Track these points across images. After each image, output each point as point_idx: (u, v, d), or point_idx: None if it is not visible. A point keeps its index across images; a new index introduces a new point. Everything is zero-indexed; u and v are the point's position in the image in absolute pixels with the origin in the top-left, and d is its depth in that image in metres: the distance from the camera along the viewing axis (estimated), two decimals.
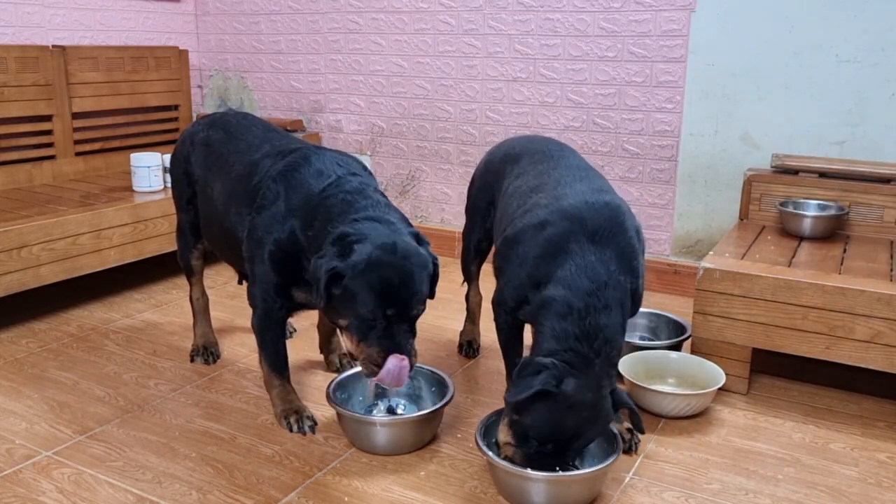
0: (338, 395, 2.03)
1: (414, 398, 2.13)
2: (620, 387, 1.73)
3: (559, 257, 1.72)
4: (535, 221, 1.80)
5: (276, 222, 1.92)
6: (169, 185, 2.76)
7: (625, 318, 1.72)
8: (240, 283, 2.47)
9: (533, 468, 1.64)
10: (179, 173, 2.34)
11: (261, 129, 2.24)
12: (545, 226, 1.78)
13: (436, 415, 1.99)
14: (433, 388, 2.11)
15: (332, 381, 2.07)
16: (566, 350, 1.63)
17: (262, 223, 1.94)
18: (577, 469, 1.72)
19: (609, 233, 1.74)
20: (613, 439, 1.75)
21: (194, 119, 4.07)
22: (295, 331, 2.72)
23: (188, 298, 2.54)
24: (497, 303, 1.92)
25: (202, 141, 2.28)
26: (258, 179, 2.00)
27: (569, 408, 1.59)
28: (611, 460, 1.69)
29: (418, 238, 1.85)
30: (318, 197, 1.89)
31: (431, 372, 2.13)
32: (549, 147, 2.12)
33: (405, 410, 2.09)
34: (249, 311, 2.05)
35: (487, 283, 2.78)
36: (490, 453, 1.71)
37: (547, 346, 1.66)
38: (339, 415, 1.98)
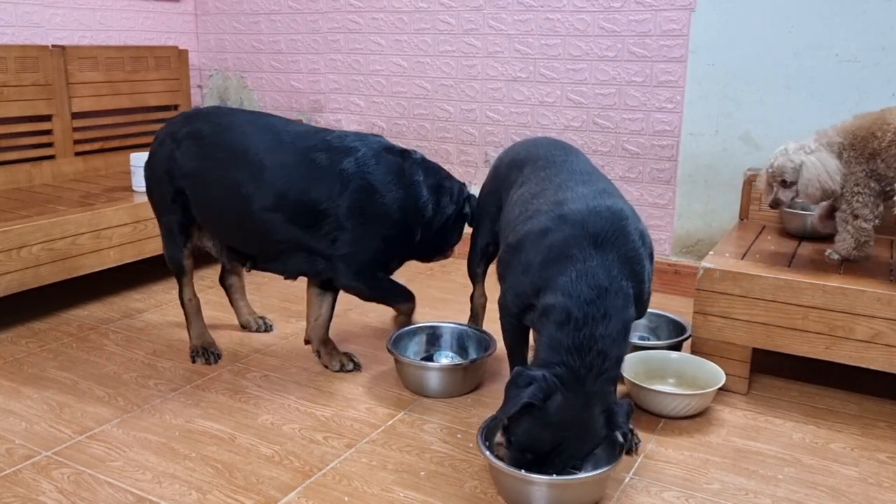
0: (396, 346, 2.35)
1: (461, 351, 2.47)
2: (623, 399, 1.71)
3: (561, 263, 1.70)
4: (536, 228, 1.79)
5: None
6: None
7: (626, 326, 1.69)
8: (249, 270, 2.42)
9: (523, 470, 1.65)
10: (161, 172, 2.34)
11: (260, 116, 2.35)
12: (547, 232, 1.76)
13: (480, 363, 2.30)
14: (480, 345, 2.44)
15: (390, 336, 2.38)
16: (559, 363, 1.62)
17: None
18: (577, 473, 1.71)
19: (612, 237, 1.72)
20: (614, 445, 1.73)
21: None
22: (273, 323, 2.77)
23: (178, 301, 2.53)
24: (502, 306, 1.93)
25: (188, 135, 2.29)
26: (326, 171, 2.19)
27: (548, 424, 1.59)
28: (609, 467, 1.68)
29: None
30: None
31: (478, 331, 2.47)
32: (552, 153, 2.10)
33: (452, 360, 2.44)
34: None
35: (493, 284, 2.78)
36: (490, 455, 1.70)
37: (542, 356, 1.66)
38: (396, 361, 2.31)
